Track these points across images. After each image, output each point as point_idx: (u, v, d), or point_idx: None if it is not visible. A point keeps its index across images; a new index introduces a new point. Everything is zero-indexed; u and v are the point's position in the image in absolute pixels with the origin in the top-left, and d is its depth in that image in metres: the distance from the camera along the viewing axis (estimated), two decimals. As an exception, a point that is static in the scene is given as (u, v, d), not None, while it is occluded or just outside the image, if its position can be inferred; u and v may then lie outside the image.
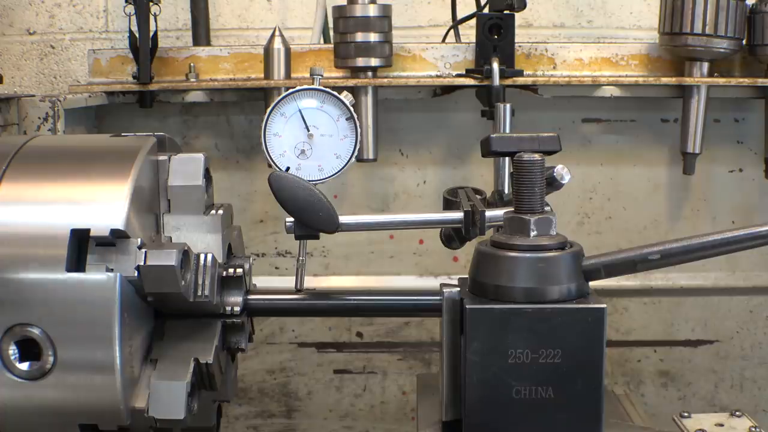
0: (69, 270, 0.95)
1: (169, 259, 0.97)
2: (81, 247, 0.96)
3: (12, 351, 0.95)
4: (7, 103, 1.67)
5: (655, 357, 2.09)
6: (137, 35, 1.74)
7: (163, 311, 1.07)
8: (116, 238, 0.96)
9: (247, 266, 1.14)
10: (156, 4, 1.76)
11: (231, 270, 1.12)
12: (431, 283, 2.00)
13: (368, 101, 1.81)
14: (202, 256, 1.05)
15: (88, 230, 0.96)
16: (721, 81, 1.80)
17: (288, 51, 1.80)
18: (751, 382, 2.10)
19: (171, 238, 1.09)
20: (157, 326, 1.07)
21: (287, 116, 1.21)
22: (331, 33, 1.84)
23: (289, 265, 2.04)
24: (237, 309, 1.11)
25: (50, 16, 2.01)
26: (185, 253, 1.00)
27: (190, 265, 1.02)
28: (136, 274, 0.96)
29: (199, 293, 1.03)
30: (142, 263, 0.96)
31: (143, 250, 0.97)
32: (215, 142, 2.00)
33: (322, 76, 1.23)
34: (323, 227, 1.08)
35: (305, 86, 1.22)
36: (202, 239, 1.10)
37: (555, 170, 1.11)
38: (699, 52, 1.74)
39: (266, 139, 1.21)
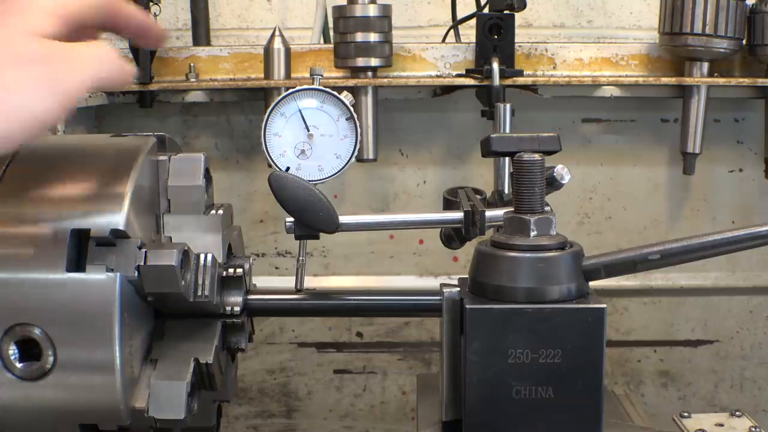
0: (69, 270, 0.95)
1: (169, 259, 0.97)
2: (81, 247, 0.96)
3: (12, 351, 0.95)
4: (7, 103, 1.67)
5: (655, 357, 2.09)
6: (137, 35, 1.74)
7: (163, 311, 1.07)
8: (116, 238, 0.96)
9: (247, 266, 1.14)
10: (156, 4, 1.76)
11: (231, 270, 1.12)
12: (431, 283, 2.00)
13: (368, 101, 1.81)
14: (202, 256, 1.05)
15: (88, 230, 0.96)
16: (721, 81, 1.80)
17: (288, 51, 1.80)
18: (751, 382, 2.11)
19: (171, 238, 1.09)
20: (157, 326, 1.07)
21: (287, 116, 1.21)
22: (331, 33, 1.84)
23: (289, 265, 2.04)
24: (237, 309, 1.11)
25: (50, 16, 2.01)
26: (185, 253, 1.00)
27: (190, 265, 1.02)
28: (136, 274, 0.96)
29: (199, 293, 1.03)
30: (142, 263, 0.96)
31: (143, 250, 0.97)
32: (215, 142, 2.00)
33: (322, 76, 1.23)
34: (323, 227, 1.08)
35: (305, 86, 1.22)
36: (202, 239, 1.10)
37: (555, 170, 1.11)
38: (699, 52, 1.74)
39: (266, 139, 1.21)
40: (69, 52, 0.85)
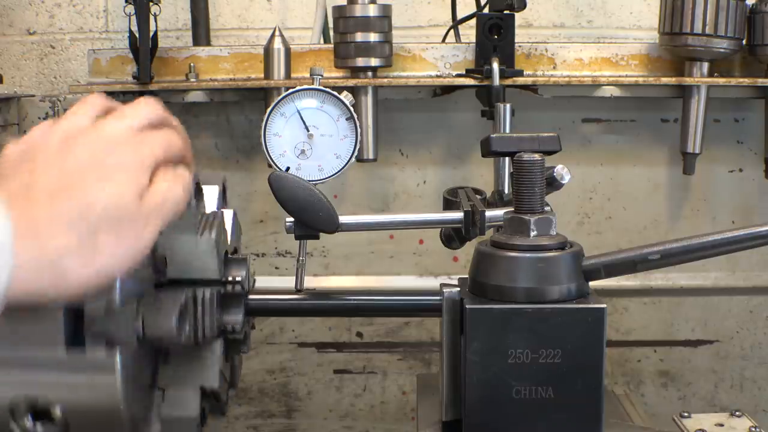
0: (68, 347, 0.91)
1: (168, 320, 0.95)
2: (77, 321, 0.94)
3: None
4: (7, 103, 1.67)
5: (655, 357, 2.09)
6: (137, 35, 1.75)
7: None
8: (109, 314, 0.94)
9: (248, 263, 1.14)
10: (156, 4, 1.76)
11: (230, 287, 1.09)
12: (431, 283, 2.00)
13: (368, 101, 1.81)
14: (200, 295, 1.02)
15: (81, 310, 0.92)
16: (721, 81, 1.80)
17: (288, 51, 1.80)
18: (751, 382, 2.11)
19: (166, 258, 1.06)
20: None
21: (287, 116, 1.21)
22: (331, 33, 1.84)
23: (289, 265, 2.04)
24: (237, 327, 1.10)
25: (50, 16, 2.01)
26: (184, 306, 0.98)
27: (188, 313, 1.00)
28: (136, 342, 0.95)
29: (199, 336, 1.02)
30: (140, 333, 0.94)
31: (140, 316, 0.95)
32: (215, 142, 2.00)
33: (322, 76, 1.23)
34: (323, 227, 1.08)
35: (305, 86, 1.21)
36: (196, 258, 1.07)
37: (555, 170, 1.11)
38: (699, 52, 1.74)
39: (266, 139, 1.21)
40: (156, 207, 0.84)
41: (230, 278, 1.08)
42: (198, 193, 1.12)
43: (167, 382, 1.03)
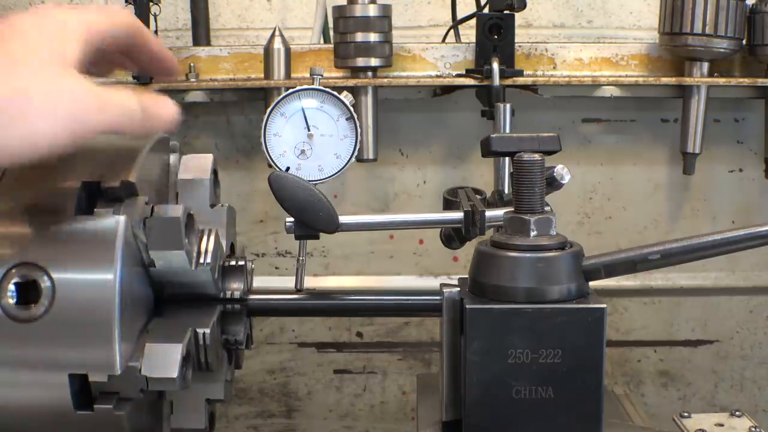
0: (77, 214, 0.94)
1: (175, 212, 0.97)
2: (91, 196, 0.96)
3: (10, 291, 0.93)
4: (7, 103, 1.67)
5: (655, 357, 2.09)
6: (137, 35, 1.74)
7: (162, 295, 1.06)
8: (125, 193, 0.96)
9: (248, 265, 1.14)
10: (156, 4, 1.76)
11: (233, 261, 1.12)
12: (431, 283, 2.00)
13: (368, 101, 1.81)
14: (206, 229, 1.04)
15: (98, 182, 0.95)
16: (721, 81, 1.80)
17: (288, 51, 1.80)
18: (751, 382, 2.11)
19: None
20: (157, 308, 1.06)
21: (287, 116, 1.21)
22: (331, 33, 1.85)
23: (289, 265, 2.04)
24: (237, 294, 1.11)
25: (50, 16, 2.01)
26: (190, 216, 1.00)
27: (194, 228, 1.02)
28: (142, 227, 0.96)
29: (201, 261, 1.03)
30: (148, 215, 0.96)
31: (150, 205, 0.97)
32: (215, 142, 2.00)
33: (322, 76, 1.23)
34: (323, 227, 1.08)
35: (305, 86, 1.22)
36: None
37: (555, 170, 1.11)
38: (699, 52, 1.74)
39: (266, 139, 1.21)
40: (100, 100, 0.83)
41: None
42: (216, 180, 1.13)
43: (159, 325, 1.03)
